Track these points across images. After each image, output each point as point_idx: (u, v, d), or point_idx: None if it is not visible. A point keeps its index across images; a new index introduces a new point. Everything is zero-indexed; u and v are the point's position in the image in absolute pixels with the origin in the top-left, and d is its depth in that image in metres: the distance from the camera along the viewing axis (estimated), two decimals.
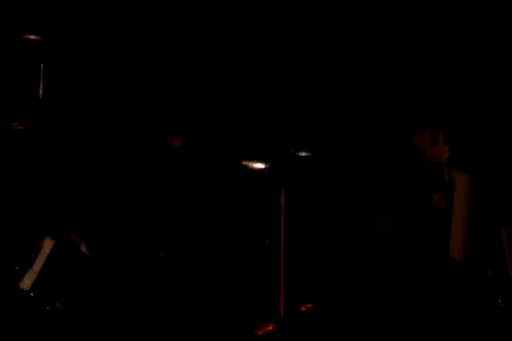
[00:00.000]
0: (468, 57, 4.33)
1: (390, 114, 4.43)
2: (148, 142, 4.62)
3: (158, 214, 4.33)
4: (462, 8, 4.24)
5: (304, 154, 3.86)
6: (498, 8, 4.13)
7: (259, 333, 3.69)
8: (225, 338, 3.61)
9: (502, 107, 4.24)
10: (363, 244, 4.34)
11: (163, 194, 4.39)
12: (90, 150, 4.41)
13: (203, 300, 3.90)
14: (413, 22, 4.34)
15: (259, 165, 3.85)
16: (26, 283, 3.25)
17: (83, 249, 3.47)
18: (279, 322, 3.77)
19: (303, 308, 3.88)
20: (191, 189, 4.41)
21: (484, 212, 4.18)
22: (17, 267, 3.34)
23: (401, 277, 4.10)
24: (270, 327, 3.73)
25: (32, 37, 4.50)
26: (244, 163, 3.92)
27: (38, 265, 3.27)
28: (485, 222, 4.17)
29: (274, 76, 4.48)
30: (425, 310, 3.86)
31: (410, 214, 4.36)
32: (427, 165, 4.45)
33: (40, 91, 4.56)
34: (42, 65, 4.54)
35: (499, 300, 3.89)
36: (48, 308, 3.24)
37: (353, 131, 4.43)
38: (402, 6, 4.33)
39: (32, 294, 3.25)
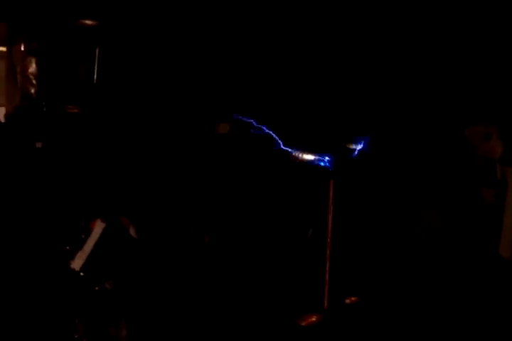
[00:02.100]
0: None
1: (445, 108, 4.34)
2: (196, 128, 4.64)
3: (205, 201, 4.36)
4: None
5: (355, 147, 3.82)
6: None
7: (303, 324, 3.69)
8: (269, 327, 3.62)
9: None
10: (410, 238, 4.29)
11: (210, 180, 4.42)
12: (141, 135, 4.46)
13: (247, 288, 3.92)
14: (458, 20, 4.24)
15: (310, 157, 3.83)
16: (77, 263, 3.33)
17: (132, 232, 3.53)
18: (322, 314, 3.77)
19: (347, 301, 3.86)
20: (238, 176, 4.42)
21: None
22: (68, 247, 3.42)
23: (448, 274, 4.04)
24: (314, 319, 3.73)
25: (88, 22, 4.56)
26: (294, 153, 3.90)
27: (88, 246, 3.34)
28: None
29: (327, 70, 4.44)
30: (472, 308, 3.79)
31: (460, 210, 4.28)
32: (480, 160, 4.35)
33: (95, 76, 4.62)
34: (97, 50, 4.60)
35: None
36: (96, 288, 3.31)
37: (406, 124, 4.36)
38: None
39: (82, 274, 3.33)
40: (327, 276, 3.78)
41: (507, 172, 4.24)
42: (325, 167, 3.80)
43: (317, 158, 3.81)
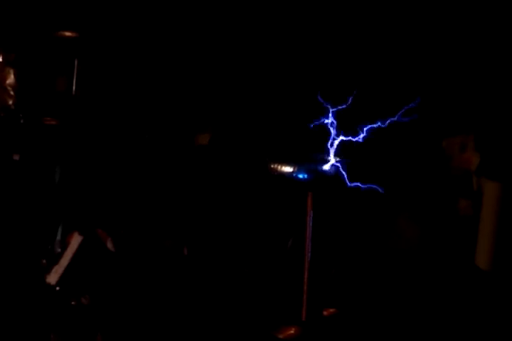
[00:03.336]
0: (501, 65, 4.27)
1: (420, 119, 4.39)
2: (176, 139, 4.65)
3: (183, 212, 4.36)
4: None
5: (332, 159, 3.85)
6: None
7: (281, 336, 3.69)
8: (247, 340, 3.62)
9: None
10: (387, 249, 4.32)
11: (189, 191, 4.42)
12: (120, 146, 4.45)
13: (225, 300, 3.92)
14: (443, 27, 4.31)
15: (288, 169, 3.85)
16: (53, 278, 3.30)
17: (109, 245, 3.51)
18: (301, 326, 3.77)
19: (325, 313, 3.87)
20: (217, 187, 4.43)
21: None
22: (44, 261, 3.40)
23: (425, 284, 4.07)
24: (292, 331, 3.73)
25: (67, 33, 4.55)
26: (272, 165, 3.92)
27: (65, 260, 3.32)
28: None
29: (304, 82, 4.47)
30: (449, 318, 3.82)
31: (436, 220, 4.33)
32: (456, 171, 4.40)
33: (74, 88, 4.61)
34: (76, 62, 4.59)
35: None
36: (73, 303, 3.29)
37: (381, 135, 4.40)
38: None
39: (58, 288, 3.30)
40: (305, 288, 3.79)
41: (483, 183, 4.29)
42: (303, 179, 3.82)
43: (296, 169, 3.84)
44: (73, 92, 4.60)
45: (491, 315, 3.82)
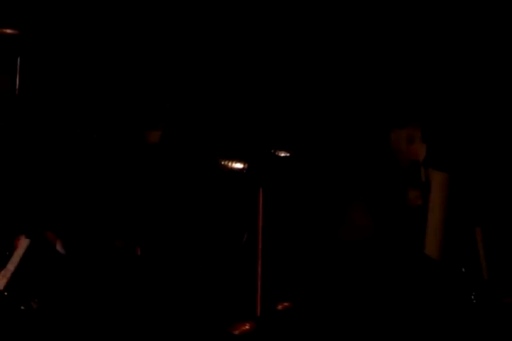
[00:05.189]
0: (446, 57, 4.36)
1: (368, 112, 4.45)
2: (125, 138, 4.58)
3: (135, 211, 4.31)
4: (437, 10, 4.27)
5: (281, 153, 3.87)
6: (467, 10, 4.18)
7: (236, 332, 3.69)
8: (201, 337, 3.61)
9: (479, 108, 4.28)
10: (339, 241, 4.37)
11: (140, 190, 4.37)
12: (67, 147, 4.36)
13: (179, 298, 3.90)
14: (389, 24, 4.37)
15: (238, 165, 3.85)
16: (1, 282, 3.22)
17: (59, 247, 3.44)
18: (255, 321, 3.78)
19: (279, 307, 3.89)
20: (169, 185, 4.39)
21: (459, 211, 4.24)
22: None
23: (377, 274, 4.14)
24: (247, 326, 3.74)
25: (9, 31, 4.43)
26: (223, 161, 3.91)
27: (12, 264, 3.24)
28: (460, 221, 4.23)
29: (253, 75, 4.47)
30: (400, 307, 3.90)
31: (386, 211, 4.40)
32: (404, 162, 4.48)
33: (17, 87, 4.49)
34: (18, 60, 4.47)
35: (472, 298, 3.95)
36: (22, 308, 3.21)
37: (330, 128, 4.45)
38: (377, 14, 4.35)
39: (6, 293, 3.22)
40: (259, 283, 3.80)
41: (430, 174, 4.38)
42: (253, 174, 3.83)
43: (245, 165, 3.84)
44: (16, 92, 4.49)
45: (440, 301, 3.92)
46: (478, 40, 4.25)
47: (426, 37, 4.35)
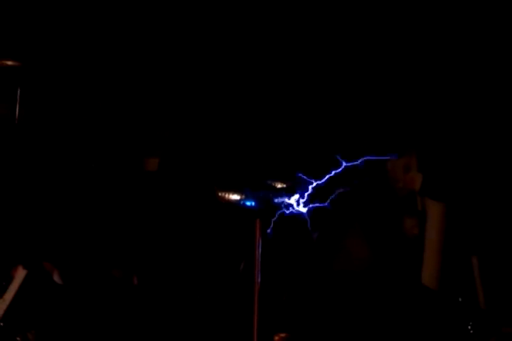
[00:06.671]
0: (441, 87, 4.42)
1: (364, 141, 4.49)
2: (124, 167, 4.61)
3: (132, 240, 4.31)
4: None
5: (278, 185, 3.90)
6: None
7: None
8: None
9: (475, 138, 4.33)
10: (336, 271, 4.36)
11: (137, 219, 4.37)
12: (65, 175, 4.39)
13: (177, 327, 3.88)
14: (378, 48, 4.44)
15: (236, 196, 3.87)
16: None
17: (56, 277, 3.43)
18: None
19: (276, 338, 3.87)
20: (166, 214, 4.40)
21: (456, 240, 4.24)
22: None
23: (374, 304, 4.12)
24: None
25: (10, 62, 4.51)
26: (220, 192, 3.94)
27: (9, 294, 3.23)
28: (456, 250, 4.23)
29: (250, 105, 4.52)
30: (398, 338, 3.87)
31: (383, 241, 4.40)
32: (401, 191, 4.50)
33: (16, 116, 4.55)
34: (19, 90, 4.55)
35: (469, 327, 3.93)
36: (18, 339, 3.19)
37: (326, 158, 4.48)
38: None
39: (2, 324, 3.20)
40: (256, 313, 3.79)
41: (427, 203, 4.40)
42: (251, 206, 3.85)
43: (243, 197, 3.86)
44: (16, 120, 4.54)
45: (437, 330, 3.90)
46: (471, 69, 4.33)
47: (420, 64, 4.42)
